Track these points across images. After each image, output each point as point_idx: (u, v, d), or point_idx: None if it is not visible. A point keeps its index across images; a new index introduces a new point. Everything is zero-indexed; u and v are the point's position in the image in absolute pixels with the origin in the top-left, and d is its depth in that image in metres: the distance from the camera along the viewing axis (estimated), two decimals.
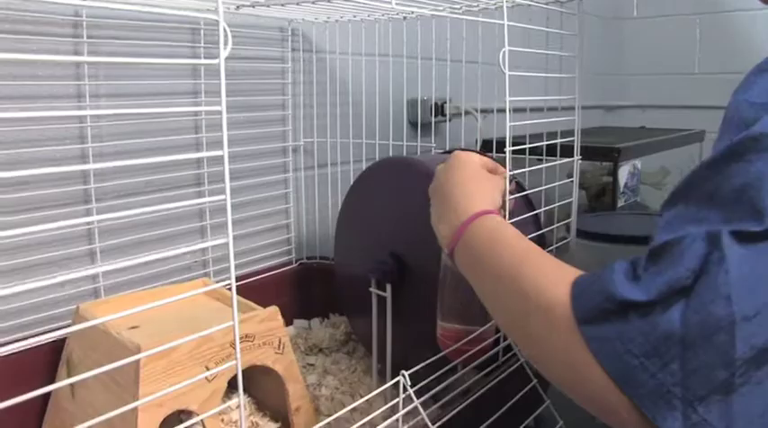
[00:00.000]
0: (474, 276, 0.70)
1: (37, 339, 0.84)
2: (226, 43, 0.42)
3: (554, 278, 0.58)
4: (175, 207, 0.44)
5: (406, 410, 0.68)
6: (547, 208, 1.01)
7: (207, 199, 0.45)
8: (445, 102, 1.54)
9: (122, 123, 1.01)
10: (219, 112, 0.42)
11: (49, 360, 0.87)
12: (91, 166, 0.89)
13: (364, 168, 1.09)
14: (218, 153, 0.43)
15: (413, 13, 1.10)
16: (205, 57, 1.11)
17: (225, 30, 0.41)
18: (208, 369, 0.78)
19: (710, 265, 0.47)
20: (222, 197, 0.43)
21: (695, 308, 0.47)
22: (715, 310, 0.46)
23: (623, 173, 1.78)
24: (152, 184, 1.06)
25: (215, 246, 1.16)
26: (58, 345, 0.87)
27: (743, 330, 0.46)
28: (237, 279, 1.16)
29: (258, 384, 0.91)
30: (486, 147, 1.50)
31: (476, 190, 0.78)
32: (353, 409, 0.89)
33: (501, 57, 0.79)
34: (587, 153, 1.37)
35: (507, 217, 0.83)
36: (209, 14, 0.42)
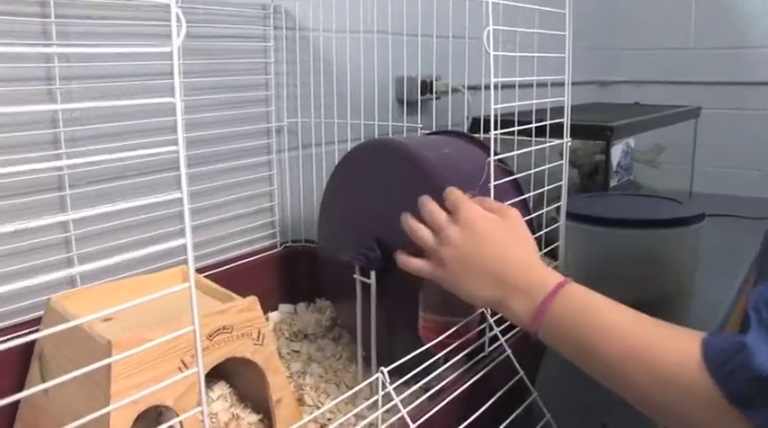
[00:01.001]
0: (574, 351, 0.68)
1: (7, 344, 0.81)
2: (179, 31, 0.38)
3: (677, 348, 0.60)
4: (133, 205, 0.41)
5: (385, 408, 0.66)
6: (536, 192, 0.98)
7: (162, 197, 0.41)
8: (433, 80, 1.51)
9: (97, 125, 0.99)
10: (173, 104, 0.38)
11: (22, 349, 0.85)
12: (64, 163, 0.86)
13: (349, 149, 1.06)
14: (173, 148, 0.40)
15: None
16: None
17: (178, 16, 0.38)
18: (184, 362, 0.75)
19: None
20: (178, 195, 0.40)
21: None
22: None
23: (616, 151, 1.75)
24: (127, 188, 1.04)
25: (195, 231, 1.14)
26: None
27: None
28: (220, 264, 1.15)
29: (239, 374, 0.89)
30: (475, 125, 1.47)
31: (524, 254, 0.75)
32: (338, 401, 0.87)
33: (485, 36, 0.76)
34: (579, 132, 1.34)
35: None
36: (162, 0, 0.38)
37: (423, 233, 0.78)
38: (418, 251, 0.80)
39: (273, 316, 1.20)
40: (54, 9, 0.90)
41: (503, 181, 0.86)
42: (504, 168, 0.95)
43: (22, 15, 0.88)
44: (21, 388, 0.84)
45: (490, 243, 0.74)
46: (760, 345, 0.55)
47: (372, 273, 0.93)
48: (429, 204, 0.79)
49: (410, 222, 0.80)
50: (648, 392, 0.62)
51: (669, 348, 0.61)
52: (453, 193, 0.79)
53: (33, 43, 0.90)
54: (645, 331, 0.64)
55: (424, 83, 1.50)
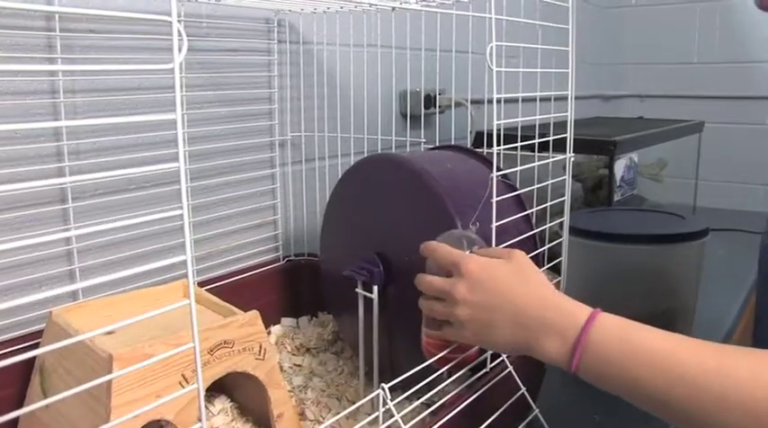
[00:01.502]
0: (622, 385, 0.64)
1: (10, 359, 0.81)
2: (181, 46, 0.38)
3: (752, 376, 0.56)
4: (139, 222, 0.41)
5: (386, 424, 0.66)
6: (539, 208, 0.98)
7: (162, 214, 0.41)
8: (437, 94, 1.51)
9: (100, 140, 0.99)
10: (172, 123, 0.38)
11: (23, 362, 0.84)
12: (68, 179, 0.86)
13: (352, 163, 1.06)
14: (174, 165, 0.40)
15: (401, 4, 1.07)
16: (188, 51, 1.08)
17: (180, 32, 0.38)
18: (185, 377, 0.75)
19: None
20: (179, 212, 0.40)
21: None
22: None
23: (620, 166, 1.75)
24: (131, 201, 1.04)
25: (198, 244, 1.14)
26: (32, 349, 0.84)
27: None
28: (223, 277, 1.15)
29: (240, 388, 0.88)
30: (478, 140, 1.47)
31: (539, 291, 0.72)
32: (339, 417, 0.87)
33: (488, 52, 0.76)
34: (582, 146, 1.34)
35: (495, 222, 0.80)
36: (162, 17, 0.39)
37: (433, 305, 0.76)
38: (421, 262, 0.80)
39: (276, 329, 1.20)
40: (59, 23, 0.91)
41: (505, 196, 0.86)
42: (506, 183, 0.95)
43: (28, 29, 0.89)
44: (21, 400, 0.84)
45: (500, 289, 0.72)
46: None
47: (375, 288, 0.93)
48: (424, 278, 0.77)
49: (421, 303, 0.79)
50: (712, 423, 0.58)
51: (744, 375, 0.57)
52: (444, 252, 0.77)
53: (38, 57, 0.91)
54: (722, 362, 0.59)
55: (427, 97, 1.50)
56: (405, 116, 1.51)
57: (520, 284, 0.72)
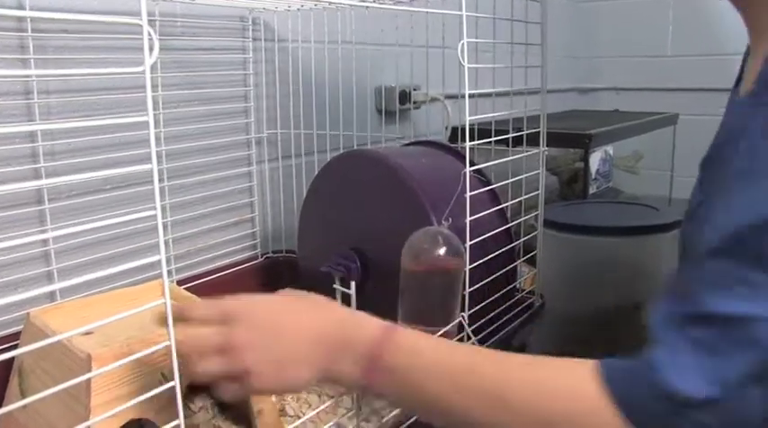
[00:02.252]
0: (421, 401, 0.60)
1: None
2: (152, 47, 0.39)
3: (570, 374, 0.53)
4: (110, 223, 0.41)
5: (364, 417, 0.67)
6: (513, 201, 0.99)
7: (136, 215, 0.42)
8: (412, 90, 1.52)
9: (75, 141, 0.98)
10: (146, 124, 0.39)
11: (1, 364, 0.84)
12: (43, 182, 0.86)
13: (329, 159, 1.07)
14: (147, 167, 0.40)
15: (375, 2, 1.08)
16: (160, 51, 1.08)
17: (150, 34, 0.38)
18: (164, 375, 0.76)
19: None
20: (153, 213, 0.41)
21: None
22: None
23: (595, 159, 1.76)
24: (107, 201, 1.04)
25: (176, 243, 1.14)
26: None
27: None
28: (202, 275, 1.15)
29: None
30: (454, 135, 1.48)
31: (320, 313, 0.65)
32: (319, 410, 0.87)
33: (459, 48, 0.77)
34: (557, 140, 1.36)
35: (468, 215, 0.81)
36: (133, 19, 0.39)
37: (209, 365, 0.63)
38: (397, 258, 0.81)
39: None
40: (30, 24, 0.90)
41: (479, 191, 0.87)
42: (480, 178, 0.96)
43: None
44: (0, 402, 0.84)
45: (286, 318, 0.64)
46: (660, 350, 0.50)
47: (352, 284, 0.94)
48: (192, 335, 0.64)
49: (196, 370, 0.65)
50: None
51: (560, 375, 0.54)
52: (202, 308, 0.66)
53: (10, 58, 0.90)
54: (512, 371, 0.56)
55: (402, 92, 1.51)
56: (380, 112, 1.51)
57: (314, 309, 0.66)
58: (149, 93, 0.39)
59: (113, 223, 0.43)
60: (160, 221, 0.41)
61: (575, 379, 0.53)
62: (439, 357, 0.60)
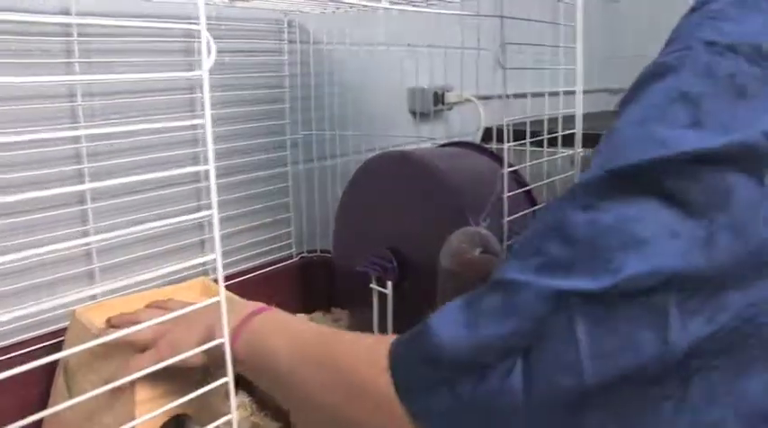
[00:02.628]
0: (274, 371, 0.61)
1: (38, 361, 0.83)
2: (209, 53, 0.40)
3: (368, 347, 0.53)
4: (163, 224, 0.43)
5: None
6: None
7: (193, 215, 0.43)
8: (446, 91, 1.52)
9: (117, 142, 1.00)
10: (203, 127, 0.40)
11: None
12: (87, 186, 0.87)
13: (364, 161, 1.08)
14: (205, 167, 0.42)
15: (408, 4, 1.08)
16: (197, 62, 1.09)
17: (208, 40, 0.40)
18: (208, 371, 0.77)
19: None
20: (209, 212, 0.42)
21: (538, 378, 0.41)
22: (562, 381, 0.40)
23: None
24: (149, 201, 1.05)
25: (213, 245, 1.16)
26: (56, 348, 0.86)
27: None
28: (237, 274, 1.16)
29: None
30: (487, 135, 1.49)
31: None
32: None
33: (500, 51, 0.77)
34: (590, 141, 1.35)
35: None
36: (192, 25, 0.40)
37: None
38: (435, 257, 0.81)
39: None
40: (76, 28, 0.92)
41: (516, 192, 0.88)
42: (516, 179, 0.96)
43: (46, 35, 0.90)
44: (46, 398, 0.86)
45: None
46: (448, 309, 0.47)
47: (389, 283, 0.95)
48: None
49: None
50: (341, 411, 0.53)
51: (361, 348, 0.54)
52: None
53: (56, 62, 0.92)
54: (340, 342, 0.57)
55: (436, 94, 1.51)
56: (414, 113, 1.52)
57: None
58: (207, 96, 0.40)
59: (165, 223, 0.44)
60: (216, 221, 0.42)
61: (383, 351, 0.51)
62: (302, 329, 0.63)
